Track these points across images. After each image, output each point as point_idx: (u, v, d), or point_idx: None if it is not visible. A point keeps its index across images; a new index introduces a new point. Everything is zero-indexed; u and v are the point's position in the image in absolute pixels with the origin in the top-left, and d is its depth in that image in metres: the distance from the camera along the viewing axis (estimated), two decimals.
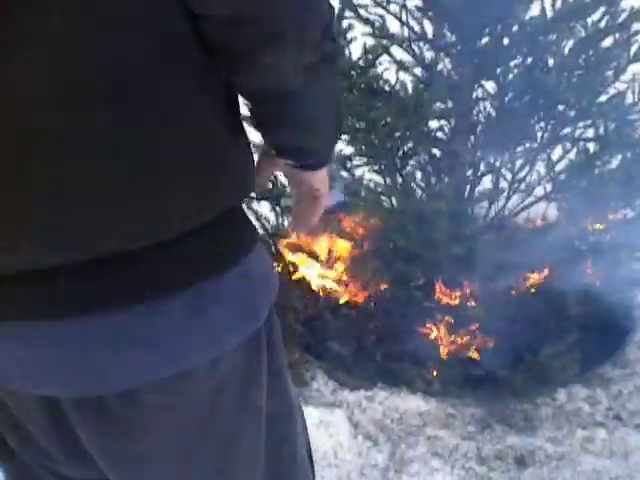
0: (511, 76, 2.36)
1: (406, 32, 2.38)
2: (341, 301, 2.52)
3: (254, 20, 0.80)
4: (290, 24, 0.83)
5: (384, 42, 2.36)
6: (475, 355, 2.35)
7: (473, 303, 2.34)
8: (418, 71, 2.46)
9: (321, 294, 2.52)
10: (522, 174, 2.54)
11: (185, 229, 0.88)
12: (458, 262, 2.26)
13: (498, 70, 2.39)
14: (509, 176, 2.55)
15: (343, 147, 2.49)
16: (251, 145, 0.99)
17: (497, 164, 2.51)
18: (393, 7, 2.36)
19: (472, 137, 2.43)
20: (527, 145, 2.47)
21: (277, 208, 2.57)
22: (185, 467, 1.04)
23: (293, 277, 2.55)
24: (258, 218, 2.59)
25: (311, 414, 2.28)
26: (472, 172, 2.47)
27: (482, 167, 2.48)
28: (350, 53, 2.37)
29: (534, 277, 2.40)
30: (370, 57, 2.25)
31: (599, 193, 2.35)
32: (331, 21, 0.91)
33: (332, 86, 1.00)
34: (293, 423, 1.19)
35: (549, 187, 2.50)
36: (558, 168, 2.50)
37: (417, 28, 2.33)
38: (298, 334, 2.53)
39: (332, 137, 1.09)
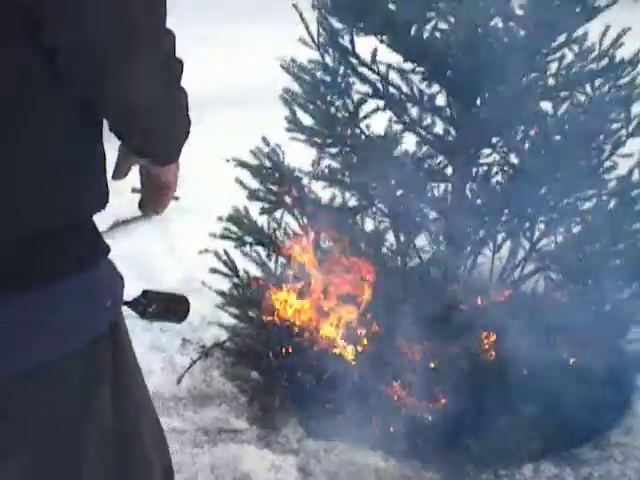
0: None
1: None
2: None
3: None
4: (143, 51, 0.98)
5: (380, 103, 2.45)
6: (438, 419, 2.32)
7: (433, 365, 2.33)
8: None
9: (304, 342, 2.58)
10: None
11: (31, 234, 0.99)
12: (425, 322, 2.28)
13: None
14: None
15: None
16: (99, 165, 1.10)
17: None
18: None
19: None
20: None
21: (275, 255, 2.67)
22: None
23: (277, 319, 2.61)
24: (257, 262, 2.69)
25: (266, 457, 2.33)
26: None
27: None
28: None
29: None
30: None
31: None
32: (173, 45, 1.05)
33: (181, 100, 1.13)
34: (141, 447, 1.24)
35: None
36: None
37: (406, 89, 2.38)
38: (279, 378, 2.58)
39: (182, 140, 1.20)
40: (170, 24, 1.01)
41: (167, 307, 1.90)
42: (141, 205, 1.35)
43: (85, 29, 0.92)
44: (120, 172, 1.27)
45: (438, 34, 2.21)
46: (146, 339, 2.92)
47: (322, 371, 2.48)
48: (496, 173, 2.65)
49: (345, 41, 2.28)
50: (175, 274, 3.30)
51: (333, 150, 2.45)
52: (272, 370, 2.61)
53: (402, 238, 2.64)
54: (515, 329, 2.30)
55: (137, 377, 1.26)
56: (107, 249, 1.16)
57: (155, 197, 1.32)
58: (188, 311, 1.88)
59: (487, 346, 2.38)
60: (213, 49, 7.08)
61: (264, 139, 2.59)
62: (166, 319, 1.89)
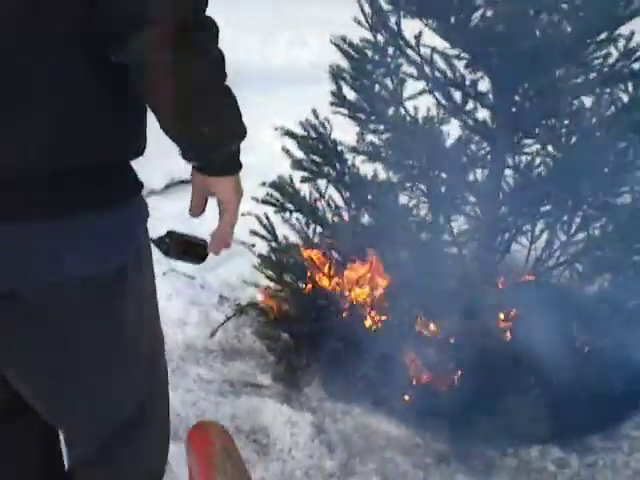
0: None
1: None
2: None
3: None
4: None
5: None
6: (452, 392, 2.41)
7: (452, 340, 2.42)
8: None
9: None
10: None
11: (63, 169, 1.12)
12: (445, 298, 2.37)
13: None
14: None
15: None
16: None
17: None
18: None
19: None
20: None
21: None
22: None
23: (310, 284, 2.73)
24: (295, 229, 2.80)
25: (283, 412, 2.46)
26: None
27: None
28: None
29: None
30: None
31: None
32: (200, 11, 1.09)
33: (203, 71, 1.12)
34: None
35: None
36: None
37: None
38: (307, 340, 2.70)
39: (218, 133, 1.19)
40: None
41: (187, 248, 2.10)
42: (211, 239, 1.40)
43: None
44: (195, 206, 1.36)
45: (483, 23, 2.27)
46: (187, 294, 3.07)
47: (348, 337, 2.58)
48: (537, 164, 2.70)
49: (393, 23, 2.35)
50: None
51: (375, 127, 2.53)
52: (301, 332, 2.73)
53: (440, 219, 2.71)
54: (535, 313, 2.37)
55: (150, 297, 1.43)
56: (138, 188, 1.29)
57: (219, 228, 1.35)
58: (206, 254, 2.06)
59: (505, 326, 2.45)
60: (282, 28, 7.23)
61: (314, 111, 2.69)
62: (185, 259, 2.09)
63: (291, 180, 2.75)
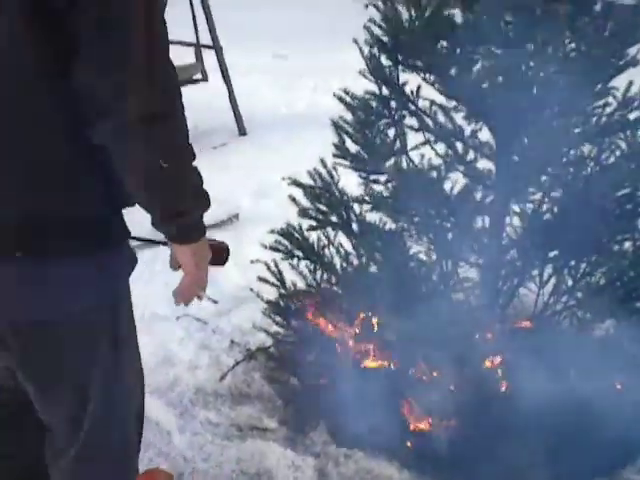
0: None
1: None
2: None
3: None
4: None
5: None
6: (452, 438, 2.44)
7: (452, 387, 2.45)
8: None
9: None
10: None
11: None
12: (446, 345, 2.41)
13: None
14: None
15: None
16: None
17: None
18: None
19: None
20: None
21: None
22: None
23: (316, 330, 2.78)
24: (303, 276, 2.86)
25: (287, 456, 2.51)
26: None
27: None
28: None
29: None
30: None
31: None
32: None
33: (167, 145, 1.28)
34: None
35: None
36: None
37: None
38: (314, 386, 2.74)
39: (169, 211, 1.36)
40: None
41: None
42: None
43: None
44: (173, 262, 1.52)
45: (481, 75, 2.34)
46: (198, 338, 3.15)
47: (352, 382, 2.62)
48: (543, 210, 2.74)
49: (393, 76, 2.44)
50: (236, 280, 3.52)
51: (378, 177, 2.61)
52: (309, 377, 2.78)
53: (446, 266, 2.75)
54: (534, 359, 2.39)
55: (130, 338, 1.57)
56: (123, 236, 1.43)
57: (178, 290, 1.53)
58: (227, 258, 2.20)
59: (504, 372, 2.48)
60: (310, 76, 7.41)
61: (322, 161, 2.77)
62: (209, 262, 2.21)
63: (300, 227, 2.82)
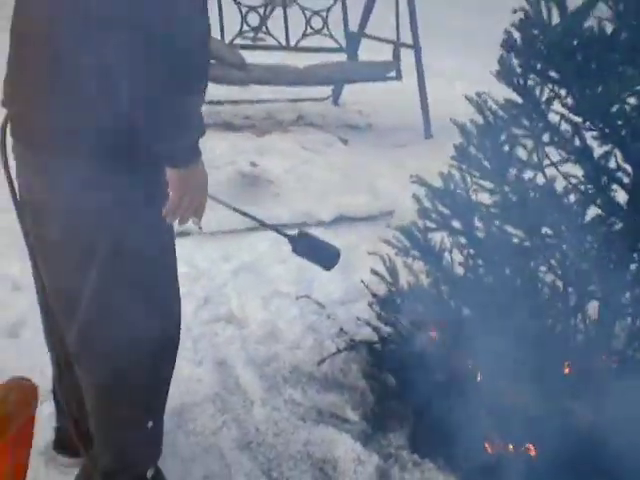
0: None
1: None
2: None
3: None
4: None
5: None
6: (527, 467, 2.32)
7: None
8: None
9: None
10: None
11: None
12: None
13: None
14: None
15: None
16: None
17: None
18: None
19: None
20: None
21: None
22: None
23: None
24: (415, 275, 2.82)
25: (355, 449, 2.50)
26: None
27: None
28: None
29: None
30: None
31: None
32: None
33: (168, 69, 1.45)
34: None
35: None
36: None
37: None
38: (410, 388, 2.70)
39: (168, 126, 1.53)
40: None
41: (315, 250, 2.32)
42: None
43: None
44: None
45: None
46: (310, 320, 3.19)
47: (445, 394, 2.56)
48: None
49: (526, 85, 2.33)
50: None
51: (500, 189, 2.51)
52: (406, 379, 2.73)
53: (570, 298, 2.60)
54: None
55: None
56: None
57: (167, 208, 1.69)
58: (335, 261, 2.25)
59: (589, 406, 2.31)
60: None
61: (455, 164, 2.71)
62: (313, 260, 2.30)
63: (424, 227, 2.77)
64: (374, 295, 2.88)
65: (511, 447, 2.41)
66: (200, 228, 1.82)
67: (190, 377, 2.76)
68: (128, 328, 1.77)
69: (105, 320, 1.76)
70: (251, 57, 5.80)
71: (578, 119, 2.27)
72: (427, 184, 2.71)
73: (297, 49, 6.33)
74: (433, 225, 2.72)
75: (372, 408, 2.73)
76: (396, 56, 6.03)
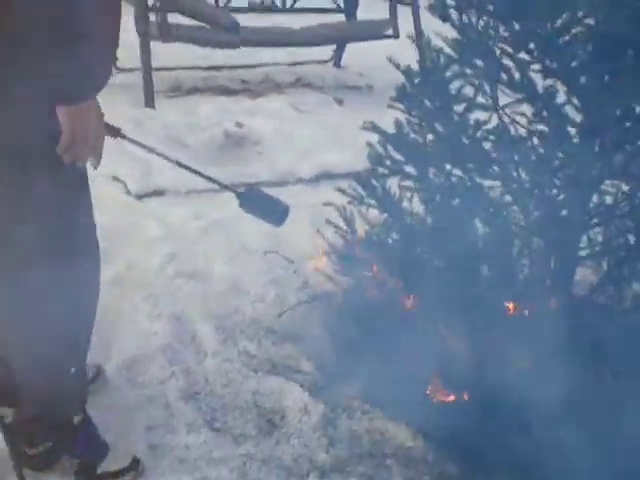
0: None
1: None
2: None
3: None
4: None
5: None
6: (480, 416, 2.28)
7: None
8: None
9: None
10: None
11: None
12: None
13: None
14: None
15: None
16: None
17: None
18: None
19: None
20: None
21: None
22: None
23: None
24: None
25: (303, 399, 2.46)
26: None
27: None
28: None
29: None
30: None
31: None
32: None
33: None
34: None
35: None
36: None
37: None
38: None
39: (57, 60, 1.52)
40: None
41: (262, 206, 2.29)
42: None
43: None
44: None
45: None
46: (276, 275, 3.16)
47: (395, 342, 2.52)
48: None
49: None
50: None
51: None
52: (364, 330, 2.70)
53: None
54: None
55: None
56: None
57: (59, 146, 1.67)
58: (283, 217, 2.22)
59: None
60: None
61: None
62: (261, 217, 2.27)
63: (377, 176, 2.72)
64: (331, 246, 2.83)
65: (453, 394, 2.37)
66: (95, 168, 1.79)
67: (146, 331, 2.75)
68: (41, 269, 1.76)
69: (17, 263, 1.75)
70: (248, 21, 5.75)
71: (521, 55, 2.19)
72: (380, 130, 2.65)
73: (294, 11, 6.26)
74: (386, 171, 2.67)
75: (327, 359, 2.69)
76: (392, 13, 5.92)
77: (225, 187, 2.53)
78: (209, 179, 2.48)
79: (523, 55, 2.24)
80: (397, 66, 2.45)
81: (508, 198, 2.48)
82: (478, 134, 2.40)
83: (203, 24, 5.60)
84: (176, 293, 3.00)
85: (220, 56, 6.21)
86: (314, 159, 4.24)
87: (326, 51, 6.61)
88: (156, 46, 5.42)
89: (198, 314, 2.87)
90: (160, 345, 2.67)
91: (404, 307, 2.62)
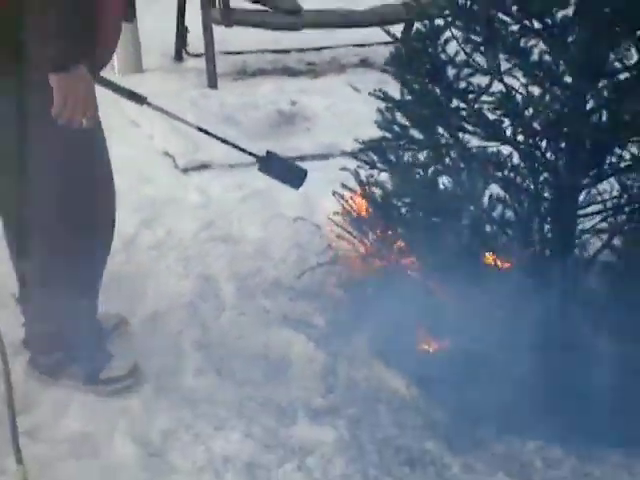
0: None
1: None
2: None
3: None
4: None
5: None
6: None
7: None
8: None
9: None
10: None
11: None
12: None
13: None
14: None
15: None
16: None
17: None
18: None
19: None
20: None
21: None
22: None
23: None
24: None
25: (308, 350, 2.62)
26: None
27: None
28: None
29: None
30: None
31: None
32: None
33: None
34: None
35: None
36: None
37: None
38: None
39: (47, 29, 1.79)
40: None
41: (281, 169, 2.54)
42: None
43: None
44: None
45: None
46: (300, 239, 3.32)
47: (395, 298, 2.64)
48: None
49: None
50: None
51: None
52: (377, 288, 2.83)
53: None
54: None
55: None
56: None
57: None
58: (301, 181, 2.46)
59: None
60: None
61: None
62: (280, 180, 2.51)
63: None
64: (347, 211, 2.97)
65: (442, 344, 2.48)
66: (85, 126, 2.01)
67: (173, 289, 2.97)
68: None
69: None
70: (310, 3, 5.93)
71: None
72: (388, 96, 2.77)
73: None
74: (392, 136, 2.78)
75: (339, 315, 2.83)
76: None
77: (245, 152, 2.72)
78: (230, 144, 2.69)
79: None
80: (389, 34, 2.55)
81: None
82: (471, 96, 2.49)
83: (266, 8, 5.80)
84: (206, 256, 3.21)
85: (289, 40, 6.39)
86: (359, 133, 4.35)
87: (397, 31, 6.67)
88: (226, 31, 5.67)
89: (224, 275, 3.06)
90: (184, 302, 2.88)
91: (408, 267, 2.73)
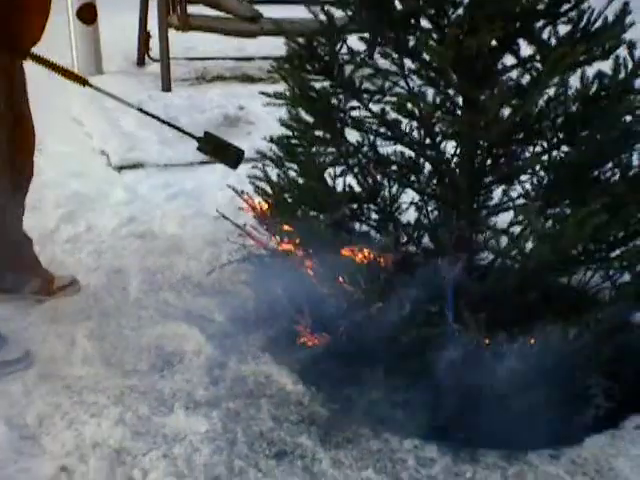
0: None
1: None
2: None
3: None
4: None
5: None
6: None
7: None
8: None
9: None
10: None
11: None
12: None
13: None
14: None
15: None
16: None
17: None
18: None
19: None
20: None
21: None
22: None
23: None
24: None
25: (200, 343, 2.62)
26: None
27: None
28: None
29: None
30: None
31: None
32: None
33: None
34: None
35: None
36: None
37: None
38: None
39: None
40: None
41: (219, 149, 2.61)
42: None
43: None
44: None
45: None
46: (217, 237, 3.33)
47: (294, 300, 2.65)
48: None
49: None
50: None
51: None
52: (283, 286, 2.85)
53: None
54: None
55: None
56: None
57: None
58: (239, 160, 2.52)
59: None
60: None
61: None
62: (217, 158, 2.59)
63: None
64: (253, 208, 2.98)
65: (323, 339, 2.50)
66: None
67: (80, 283, 2.97)
68: None
69: None
70: (269, 12, 5.97)
71: None
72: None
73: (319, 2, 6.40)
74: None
75: (239, 311, 2.84)
76: None
77: (183, 132, 2.80)
78: (167, 124, 2.75)
79: None
80: None
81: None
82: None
83: (226, 15, 5.85)
84: (122, 250, 3.23)
85: (254, 47, 6.44)
86: None
87: None
88: (192, 38, 5.72)
89: (134, 269, 3.08)
90: (89, 294, 2.89)
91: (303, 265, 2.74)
